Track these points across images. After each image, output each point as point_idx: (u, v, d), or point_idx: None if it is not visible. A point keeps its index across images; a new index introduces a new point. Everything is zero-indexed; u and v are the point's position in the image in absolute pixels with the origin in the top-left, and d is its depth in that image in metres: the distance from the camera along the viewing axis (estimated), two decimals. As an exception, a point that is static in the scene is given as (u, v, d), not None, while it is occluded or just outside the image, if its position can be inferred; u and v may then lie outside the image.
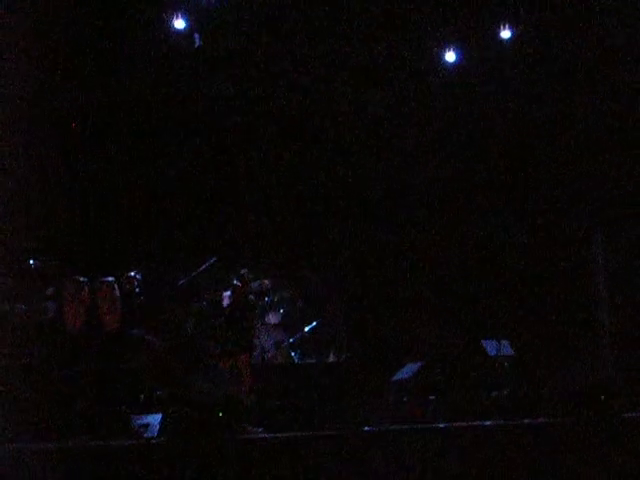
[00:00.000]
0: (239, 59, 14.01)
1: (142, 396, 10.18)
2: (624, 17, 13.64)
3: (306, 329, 13.52)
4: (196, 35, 13.77)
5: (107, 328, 10.03)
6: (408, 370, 12.47)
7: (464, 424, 10.57)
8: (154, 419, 9.40)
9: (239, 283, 11.81)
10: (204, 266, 12.68)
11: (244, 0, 13.49)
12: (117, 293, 10.26)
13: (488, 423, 10.46)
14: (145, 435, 9.29)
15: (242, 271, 11.98)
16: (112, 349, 9.86)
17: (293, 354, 13.08)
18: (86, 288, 10.06)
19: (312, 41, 13.94)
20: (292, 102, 14.52)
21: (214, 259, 12.78)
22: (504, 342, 12.72)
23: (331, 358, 13.19)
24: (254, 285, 12.40)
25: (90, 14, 13.10)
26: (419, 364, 12.45)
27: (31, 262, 10.79)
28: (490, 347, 12.75)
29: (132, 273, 11.47)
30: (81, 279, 10.12)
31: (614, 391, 10.79)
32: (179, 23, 13.54)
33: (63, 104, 13.22)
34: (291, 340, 13.22)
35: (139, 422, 9.44)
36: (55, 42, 12.35)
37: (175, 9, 13.40)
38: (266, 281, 12.97)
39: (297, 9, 13.74)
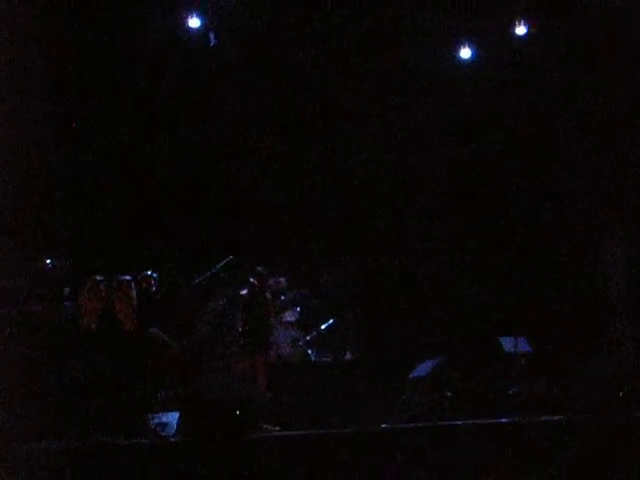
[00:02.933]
0: (255, 57, 14.04)
1: (159, 395, 10.21)
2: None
3: (322, 327, 13.51)
4: (211, 34, 13.79)
5: (124, 327, 10.05)
6: (425, 367, 12.46)
7: (481, 421, 10.57)
8: (171, 418, 9.44)
9: (255, 281, 11.81)
10: (220, 264, 12.69)
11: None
12: (134, 292, 10.29)
13: (505, 420, 10.44)
14: (162, 434, 9.33)
15: (258, 269, 11.98)
16: (129, 348, 9.89)
17: (309, 352, 13.08)
18: (103, 287, 10.09)
19: (327, 36, 13.96)
20: (308, 96, 14.52)
21: (230, 257, 12.79)
22: (521, 339, 12.69)
23: (347, 356, 13.17)
24: (270, 283, 12.40)
25: (104, 12, 13.16)
26: (436, 361, 12.43)
27: (48, 262, 10.83)
28: (507, 344, 12.73)
29: (149, 272, 11.49)
30: (98, 278, 10.15)
31: (632, 388, 10.75)
32: (194, 22, 13.56)
33: (75, 104, 13.26)
34: (307, 338, 13.22)
35: (156, 421, 9.48)
36: (64, 41, 12.40)
37: (190, 8, 13.42)
38: (282, 279, 12.97)
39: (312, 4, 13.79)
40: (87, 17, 13.05)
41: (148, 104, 13.89)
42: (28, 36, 11.47)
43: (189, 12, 13.44)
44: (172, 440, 9.17)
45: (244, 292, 11.82)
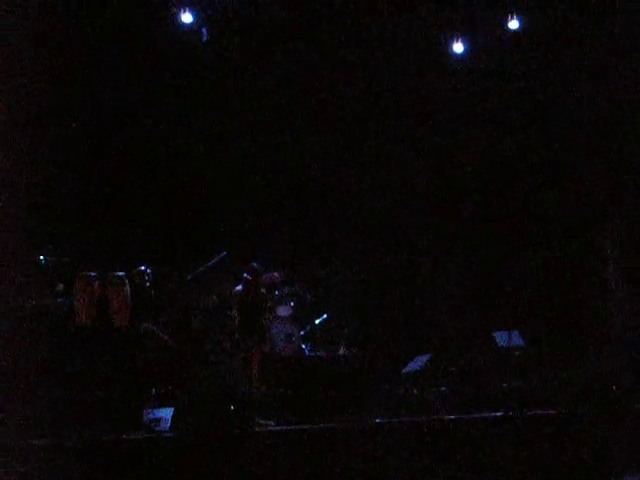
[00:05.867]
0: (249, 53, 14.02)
1: (154, 390, 10.21)
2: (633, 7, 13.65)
3: (316, 322, 13.51)
4: (204, 29, 13.77)
5: (118, 323, 10.05)
6: (418, 362, 12.48)
7: (475, 415, 10.60)
8: (166, 413, 9.45)
9: (250, 276, 11.80)
10: (214, 260, 12.69)
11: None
12: (127, 288, 10.29)
13: (499, 414, 10.48)
14: (157, 429, 9.33)
15: (253, 264, 11.97)
16: (123, 344, 9.89)
17: (304, 347, 13.08)
18: (96, 283, 10.09)
19: (319, 32, 13.96)
20: (303, 94, 14.52)
21: (224, 253, 12.78)
22: (514, 333, 12.71)
23: (341, 351, 13.18)
24: (264, 278, 12.39)
25: (95, 8, 13.13)
26: (428, 356, 12.46)
27: (42, 258, 10.81)
28: (501, 338, 12.74)
29: (142, 268, 11.48)
30: (91, 274, 10.15)
31: (625, 382, 10.79)
32: (186, 17, 13.53)
33: (69, 101, 13.23)
34: (302, 333, 13.22)
35: (151, 416, 9.49)
36: (58, 35, 12.36)
37: (182, 3, 13.41)
38: (276, 274, 12.95)
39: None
40: (81, 11, 13.04)
41: (144, 100, 13.86)
42: (24, 34, 11.45)
43: (181, 7, 13.44)
44: (166, 435, 9.18)
45: (238, 288, 11.81)
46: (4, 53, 10.54)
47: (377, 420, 10.31)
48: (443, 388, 12.04)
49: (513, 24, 13.89)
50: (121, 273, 10.41)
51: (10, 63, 10.74)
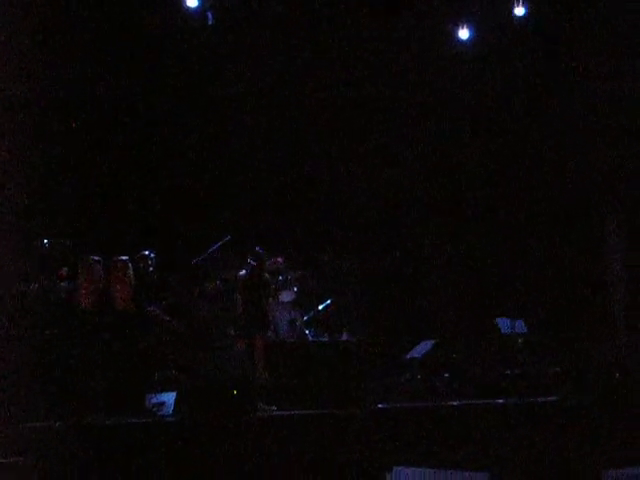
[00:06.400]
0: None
1: (156, 375, 10.22)
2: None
3: (319, 307, 13.50)
4: (209, 13, 13.73)
5: (121, 307, 10.07)
6: (422, 348, 12.49)
7: (477, 402, 10.62)
8: (168, 397, 9.47)
9: (253, 262, 11.78)
10: (217, 244, 12.67)
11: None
12: (131, 272, 10.31)
13: (501, 401, 10.49)
14: (159, 413, 9.36)
15: (257, 249, 11.95)
16: (126, 328, 9.91)
17: (307, 332, 13.08)
18: (100, 267, 10.11)
19: (325, 18, 13.93)
20: (309, 82, 14.49)
21: (228, 237, 12.77)
22: (518, 320, 12.73)
23: (344, 336, 13.18)
24: (267, 263, 12.38)
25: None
26: (432, 342, 12.48)
27: (45, 242, 10.83)
28: (504, 325, 12.76)
29: (146, 252, 11.48)
30: (95, 258, 10.17)
31: (628, 370, 10.81)
32: (191, 1, 13.49)
33: (76, 88, 13.23)
34: (305, 318, 13.21)
35: (154, 400, 9.51)
36: (59, 25, 12.36)
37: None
38: (279, 259, 12.94)
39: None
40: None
41: (147, 85, 13.84)
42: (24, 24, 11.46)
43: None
44: (169, 420, 9.20)
45: (242, 273, 11.80)
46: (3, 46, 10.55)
47: (379, 405, 10.33)
48: (446, 374, 12.06)
49: (519, 10, 13.85)
50: (125, 257, 10.43)
51: (9, 55, 10.75)
